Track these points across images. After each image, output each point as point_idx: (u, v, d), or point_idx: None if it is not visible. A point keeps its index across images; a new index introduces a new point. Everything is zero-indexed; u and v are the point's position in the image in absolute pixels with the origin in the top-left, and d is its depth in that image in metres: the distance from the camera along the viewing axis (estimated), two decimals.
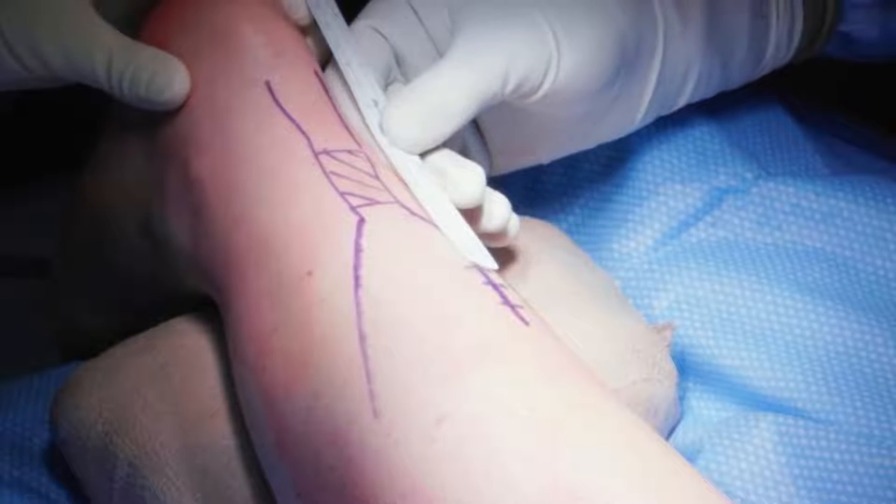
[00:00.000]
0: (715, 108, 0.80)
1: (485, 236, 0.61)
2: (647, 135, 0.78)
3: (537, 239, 0.71)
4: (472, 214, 0.62)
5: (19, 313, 0.83)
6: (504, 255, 0.68)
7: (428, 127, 0.62)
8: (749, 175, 0.78)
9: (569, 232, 0.77)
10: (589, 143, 0.73)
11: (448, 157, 0.63)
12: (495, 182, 0.71)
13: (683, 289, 0.74)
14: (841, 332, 0.71)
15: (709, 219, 0.77)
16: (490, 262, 0.57)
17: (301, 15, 0.66)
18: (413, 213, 0.58)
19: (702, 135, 0.79)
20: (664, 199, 0.77)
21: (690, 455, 0.68)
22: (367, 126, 0.63)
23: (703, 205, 0.77)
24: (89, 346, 0.71)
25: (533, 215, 0.76)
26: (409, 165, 0.62)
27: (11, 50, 0.61)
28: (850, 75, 0.87)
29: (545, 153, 0.72)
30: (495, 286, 0.55)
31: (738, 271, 0.74)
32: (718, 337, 0.72)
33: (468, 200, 0.61)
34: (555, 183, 0.79)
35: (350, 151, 0.60)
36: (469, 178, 0.61)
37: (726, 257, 0.75)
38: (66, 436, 0.66)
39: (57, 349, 0.78)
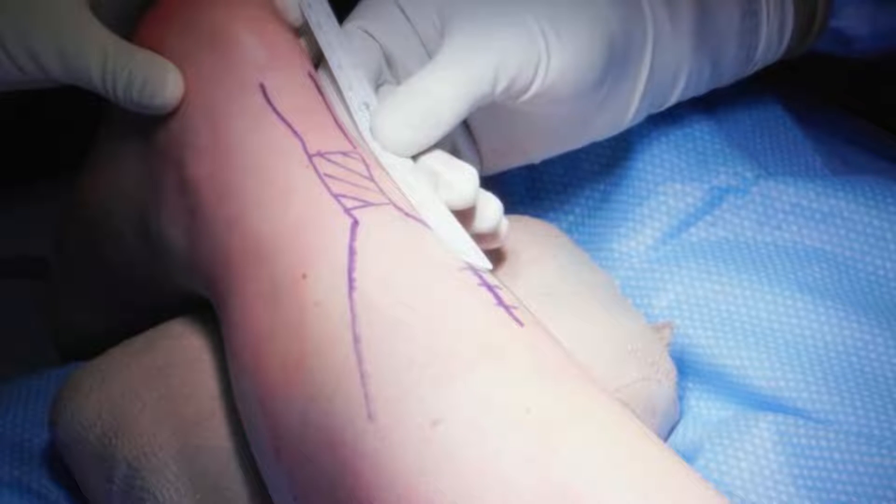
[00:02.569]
0: (715, 107, 0.80)
1: (476, 237, 0.61)
2: (647, 134, 0.78)
3: (537, 238, 0.71)
4: (463, 215, 0.62)
5: (19, 313, 0.83)
6: (503, 255, 0.68)
7: (419, 130, 0.62)
8: (749, 175, 0.78)
9: (568, 231, 0.77)
10: (580, 143, 0.72)
11: (440, 159, 0.63)
12: (494, 181, 0.71)
13: (683, 288, 0.74)
14: (841, 332, 0.71)
15: (709, 218, 0.77)
16: (484, 263, 0.57)
17: (294, 16, 0.66)
18: (407, 215, 0.58)
19: (702, 134, 0.79)
20: (664, 198, 0.77)
21: (690, 455, 0.68)
22: (358, 129, 0.63)
23: (703, 204, 0.77)
24: (89, 347, 0.71)
25: (533, 215, 0.76)
26: (400, 168, 0.62)
27: (7, 51, 0.61)
28: (850, 75, 0.87)
29: (536, 153, 0.72)
30: (490, 287, 0.55)
31: (737, 271, 0.74)
32: (718, 336, 0.72)
33: (462, 201, 0.61)
34: (554, 182, 0.79)
35: (344, 153, 0.60)
36: (462, 178, 0.61)
37: (726, 257, 0.75)
38: (65, 437, 0.66)
39: (56, 350, 0.78)
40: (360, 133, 0.63)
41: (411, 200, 0.60)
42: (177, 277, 0.66)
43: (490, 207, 0.63)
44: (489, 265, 0.57)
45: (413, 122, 0.62)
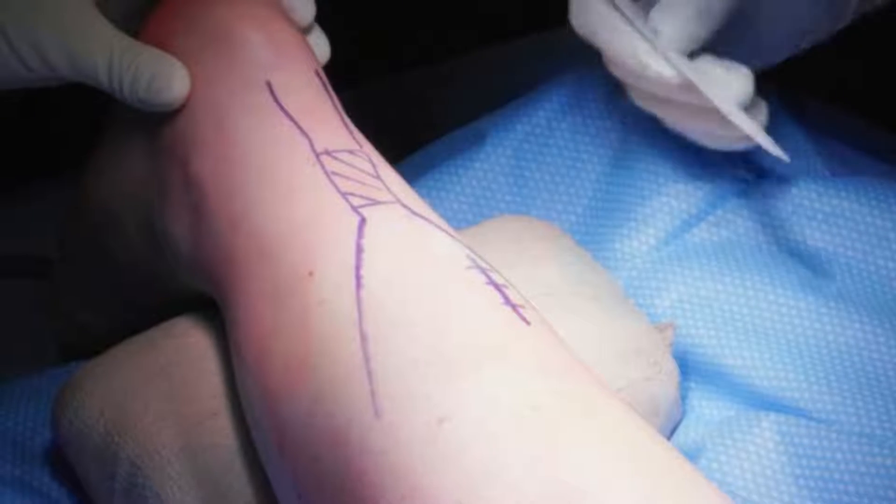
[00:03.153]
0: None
1: None
2: (650, 134, 0.78)
3: (540, 238, 0.71)
4: None
5: (20, 313, 0.83)
6: (506, 255, 0.68)
7: (697, 26, 0.67)
8: (751, 175, 0.78)
9: (571, 231, 0.77)
10: (801, 45, 0.74)
11: (714, 61, 0.68)
12: (495, 181, 0.71)
13: (686, 288, 0.74)
14: (843, 332, 0.71)
15: (711, 219, 0.77)
16: (780, 153, 0.63)
17: (301, 15, 0.66)
18: (414, 213, 0.58)
19: None
20: (667, 199, 0.77)
21: (692, 455, 0.68)
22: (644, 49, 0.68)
23: (706, 205, 0.77)
24: (91, 346, 0.71)
25: (535, 215, 0.76)
26: (686, 69, 0.66)
27: (14, 49, 0.61)
28: (850, 75, 0.87)
29: (758, 59, 0.73)
30: (497, 286, 0.55)
31: (740, 271, 0.74)
32: (720, 336, 0.72)
33: (740, 101, 0.66)
34: (557, 182, 0.79)
35: (351, 151, 0.60)
36: (741, 79, 0.67)
37: (729, 257, 0.75)
38: (67, 435, 0.66)
39: (58, 349, 0.78)
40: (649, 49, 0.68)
41: (707, 94, 0.66)
42: (181, 276, 0.65)
43: (762, 108, 0.69)
44: (786, 157, 0.63)
45: (688, 19, 0.67)
